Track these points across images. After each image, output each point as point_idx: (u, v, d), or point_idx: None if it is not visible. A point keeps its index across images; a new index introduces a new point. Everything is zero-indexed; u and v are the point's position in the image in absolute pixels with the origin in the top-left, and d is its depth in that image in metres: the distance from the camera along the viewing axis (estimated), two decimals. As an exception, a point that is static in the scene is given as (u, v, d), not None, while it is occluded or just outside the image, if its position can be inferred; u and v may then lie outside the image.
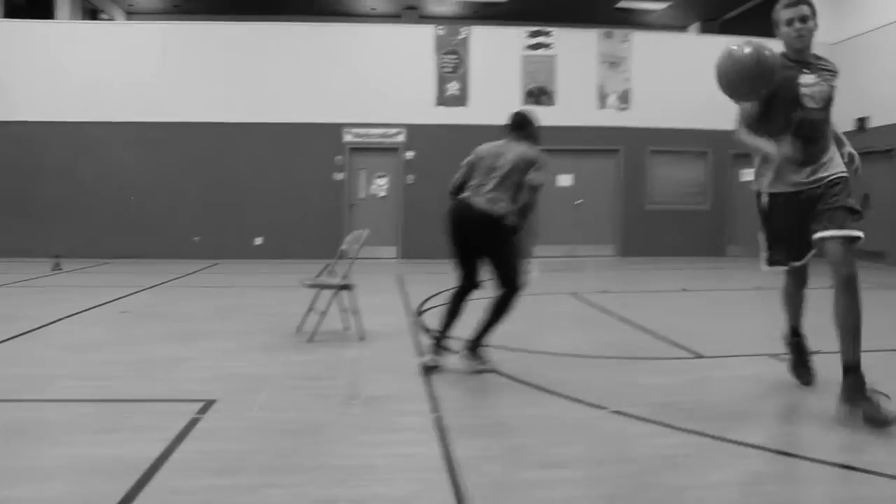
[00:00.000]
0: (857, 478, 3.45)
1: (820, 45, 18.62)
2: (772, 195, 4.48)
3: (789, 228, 4.44)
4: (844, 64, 16.47)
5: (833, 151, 4.40)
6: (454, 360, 5.48)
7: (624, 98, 16.59)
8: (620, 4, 19.51)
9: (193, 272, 12.86)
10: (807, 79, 4.33)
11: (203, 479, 3.35)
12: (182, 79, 15.55)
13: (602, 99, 16.55)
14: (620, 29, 17.22)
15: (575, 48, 16.49)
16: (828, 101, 4.36)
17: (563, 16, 19.30)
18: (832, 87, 4.38)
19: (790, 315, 4.95)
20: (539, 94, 16.18)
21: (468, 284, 5.57)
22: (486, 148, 5.67)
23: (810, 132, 4.28)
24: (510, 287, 5.39)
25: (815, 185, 4.29)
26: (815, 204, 4.26)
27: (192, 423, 4.12)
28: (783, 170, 4.33)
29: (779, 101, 4.30)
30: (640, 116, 16.67)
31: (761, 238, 4.63)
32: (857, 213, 4.24)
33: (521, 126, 5.70)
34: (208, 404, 4.51)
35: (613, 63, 16.54)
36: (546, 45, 16.32)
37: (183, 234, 15.58)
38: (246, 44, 15.81)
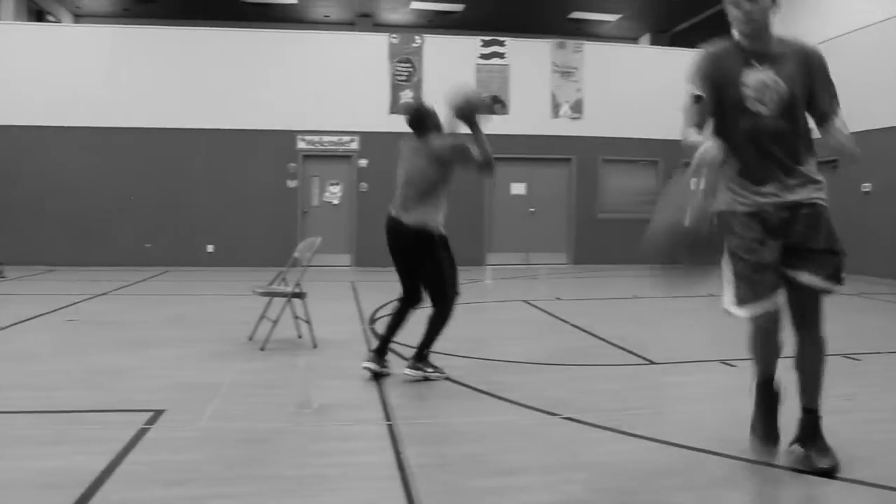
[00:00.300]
0: (803, 479, 3.51)
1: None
2: (721, 214, 3.58)
3: (745, 257, 3.49)
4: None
5: (809, 172, 3.51)
6: (404, 369, 5.47)
7: (576, 107, 16.75)
8: (573, 15, 19.71)
9: (143, 280, 12.65)
10: (754, 76, 3.41)
11: (150, 490, 3.28)
12: (132, 84, 15.28)
13: (555, 108, 16.69)
14: (573, 39, 17.39)
15: (528, 58, 16.61)
16: (788, 106, 3.41)
17: (516, 26, 19.43)
18: (797, 86, 3.42)
19: (762, 363, 3.81)
20: (493, 103, 16.26)
21: (410, 298, 5.53)
22: (402, 152, 5.56)
23: (766, 144, 3.43)
24: (441, 303, 5.38)
25: (780, 208, 3.46)
26: (782, 232, 3.46)
27: (140, 434, 4.04)
28: (733, 184, 3.53)
29: (724, 104, 3.47)
30: (592, 126, 16.84)
31: (725, 272, 3.61)
32: (837, 254, 3.49)
33: (418, 123, 5.45)
34: (157, 414, 4.43)
35: (566, 73, 16.70)
36: (500, 55, 16.41)
37: (133, 242, 15.31)
38: (198, 49, 15.63)
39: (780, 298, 3.52)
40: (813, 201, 3.47)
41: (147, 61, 15.40)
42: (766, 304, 3.48)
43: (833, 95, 3.52)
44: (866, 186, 14.31)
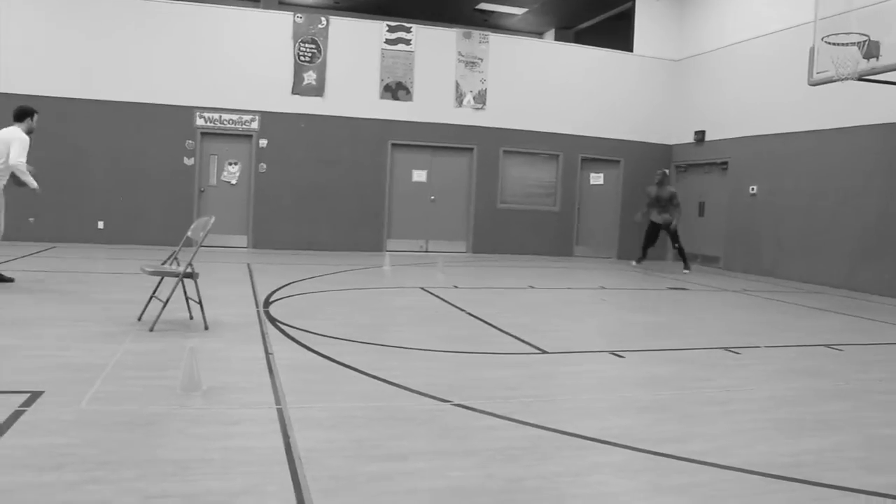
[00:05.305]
0: (680, 467, 3.65)
1: (664, 60, 19.35)
2: None
3: None
4: (686, 80, 17.47)
5: None
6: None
7: (480, 98, 16.86)
8: (480, 6, 19.82)
9: (27, 255, 12.08)
10: None
11: (22, 475, 3.14)
12: (25, 49, 14.48)
13: (459, 98, 16.76)
14: (479, 30, 17.49)
15: (434, 46, 16.61)
16: None
17: (424, 13, 19.41)
18: None
19: None
20: (396, 89, 16.20)
21: None
22: None
23: None
24: None
25: None
26: None
27: (15, 417, 3.86)
28: None
29: None
30: (494, 116, 17.00)
31: None
32: None
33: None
34: (34, 396, 4.24)
35: (471, 63, 16.78)
36: (405, 41, 16.35)
37: (16, 215, 14.54)
38: (96, 15, 14.89)
39: None
40: None
41: (40, 25, 14.61)
42: None
43: None
44: (753, 189, 14.94)
